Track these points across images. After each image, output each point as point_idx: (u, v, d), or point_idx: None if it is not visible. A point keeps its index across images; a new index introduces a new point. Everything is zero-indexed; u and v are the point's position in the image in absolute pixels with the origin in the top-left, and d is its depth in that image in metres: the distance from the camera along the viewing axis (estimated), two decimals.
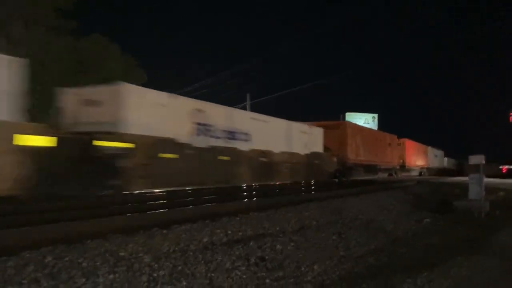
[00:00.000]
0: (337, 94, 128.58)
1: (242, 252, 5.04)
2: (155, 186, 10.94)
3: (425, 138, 42.08)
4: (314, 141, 19.12)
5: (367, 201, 11.15)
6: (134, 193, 10.71)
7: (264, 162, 15.15)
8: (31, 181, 8.11)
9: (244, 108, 28.80)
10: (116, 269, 3.96)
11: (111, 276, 3.79)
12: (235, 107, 21.20)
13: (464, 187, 11.76)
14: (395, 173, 31.65)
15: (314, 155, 18.77)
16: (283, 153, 16.36)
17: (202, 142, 12.24)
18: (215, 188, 12.96)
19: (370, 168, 25.92)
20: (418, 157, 37.41)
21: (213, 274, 4.30)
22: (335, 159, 20.84)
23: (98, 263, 4.05)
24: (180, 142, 11.40)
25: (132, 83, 12.10)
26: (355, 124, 28.30)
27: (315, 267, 5.07)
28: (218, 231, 6.01)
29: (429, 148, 41.87)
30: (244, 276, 4.44)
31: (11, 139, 7.99)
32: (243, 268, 4.63)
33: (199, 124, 12.26)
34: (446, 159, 52.32)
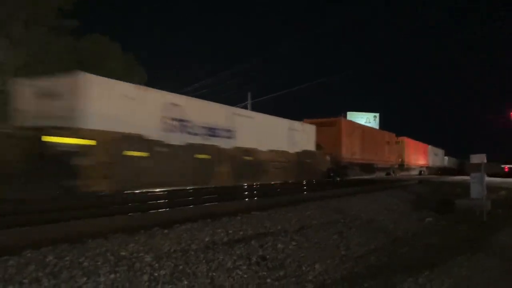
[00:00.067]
0: (337, 94, 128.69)
1: (243, 251, 5.05)
2: (120, 187, 9.86)
3: (425, 138, 41.84)
4: (305, 138, 18.23)
5: (367, 201, 11.15)
6: (136, 192, 10.71)
7: (249, 161, 14.27)
8: None
9: (245, 108, 27.94)
10: (117, 268, 3.96)
11: (112, 276, 3.79)
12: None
13: (465, 186, 11.74)
14: (393, 172, 31.10)
15: (306, 153, 17.93)
16: (270, 151, 15.49)
17: (177, 139, 11.35)
18: (214, 188, 12.95)
19: (367, 167, 25.26)
20: (417, 156, 37.13)
21: (214, 274, 4.31)
22: (328, 158, 20.10)
23: (99, 263, 4.05)
24: (150, 139, 10.47)
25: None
26: (351, 121, 27.47)
27: (316, 266, 5.07)
28: (219, 230, 6.02)
29: (429, 147, 41.58)
30: (245, 276, 4.44)
31: None
32: (244, 267, 4.62)
33: (173, 119, 11.29)
34: (446, 158, 52.23)
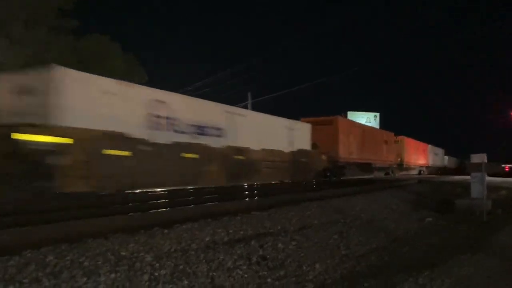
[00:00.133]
0: (337, 94, 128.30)
1: (244, 251, 5.05)
2: (100, 188, 9.33)
3: (425, 137, 41.74)
4: (300, 137, 17.58)
5: (367, 201, 11.15)
6: (136, 192, 10.72)
7: (240, 160, 13.70)
8: None
9: (245, 107, 27.40)
10: (117, 268, 3.96)
11: (113, 275, 3.79)
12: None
13: (465, 186, 11.75)
14: (392, 171, 30.77)
15: (300, 152, 17.33)
16: (263, 150, 14.85)
17: (162, 137, 10.84)
18: (215, 188, 12.95)
19: (365, 167, 24.89)
20: (417, 156, 36.98)
21: (214, 273, 4.31)
22: (324, 157, 19.52)
23: (99, 262, 4.06)
24: (133, 137, 9.97)
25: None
26: (348, 120, 26.90)
27: (317, 266, 5.07)
28: (220, 230, 6.02)
29: (429, 146, 41.46)
30: (246, 275, 4.44)
31: None
32: (245, 267, 4.63)
33: (159, 117, 10.76)
34: (446, 157, 52.20)
